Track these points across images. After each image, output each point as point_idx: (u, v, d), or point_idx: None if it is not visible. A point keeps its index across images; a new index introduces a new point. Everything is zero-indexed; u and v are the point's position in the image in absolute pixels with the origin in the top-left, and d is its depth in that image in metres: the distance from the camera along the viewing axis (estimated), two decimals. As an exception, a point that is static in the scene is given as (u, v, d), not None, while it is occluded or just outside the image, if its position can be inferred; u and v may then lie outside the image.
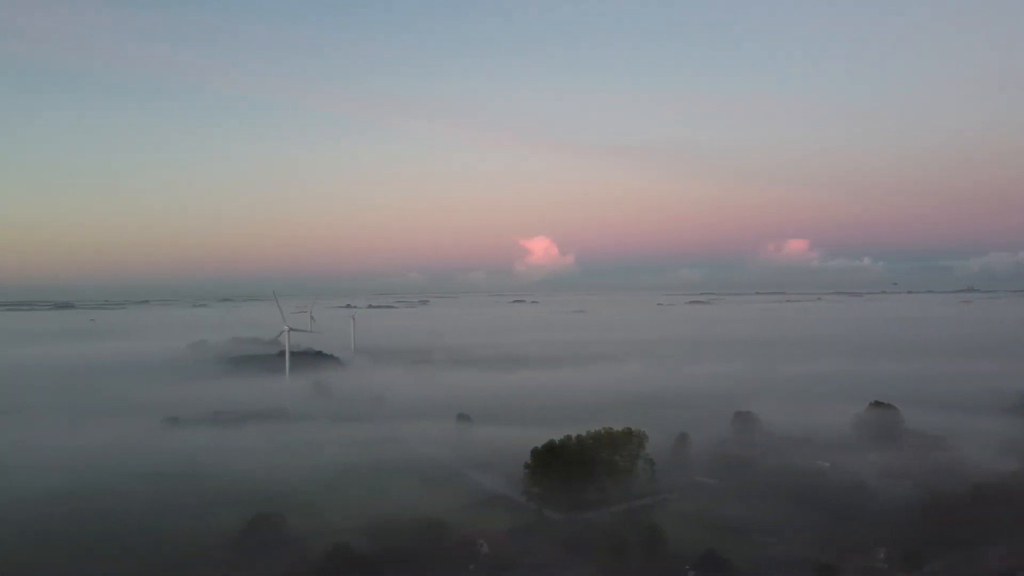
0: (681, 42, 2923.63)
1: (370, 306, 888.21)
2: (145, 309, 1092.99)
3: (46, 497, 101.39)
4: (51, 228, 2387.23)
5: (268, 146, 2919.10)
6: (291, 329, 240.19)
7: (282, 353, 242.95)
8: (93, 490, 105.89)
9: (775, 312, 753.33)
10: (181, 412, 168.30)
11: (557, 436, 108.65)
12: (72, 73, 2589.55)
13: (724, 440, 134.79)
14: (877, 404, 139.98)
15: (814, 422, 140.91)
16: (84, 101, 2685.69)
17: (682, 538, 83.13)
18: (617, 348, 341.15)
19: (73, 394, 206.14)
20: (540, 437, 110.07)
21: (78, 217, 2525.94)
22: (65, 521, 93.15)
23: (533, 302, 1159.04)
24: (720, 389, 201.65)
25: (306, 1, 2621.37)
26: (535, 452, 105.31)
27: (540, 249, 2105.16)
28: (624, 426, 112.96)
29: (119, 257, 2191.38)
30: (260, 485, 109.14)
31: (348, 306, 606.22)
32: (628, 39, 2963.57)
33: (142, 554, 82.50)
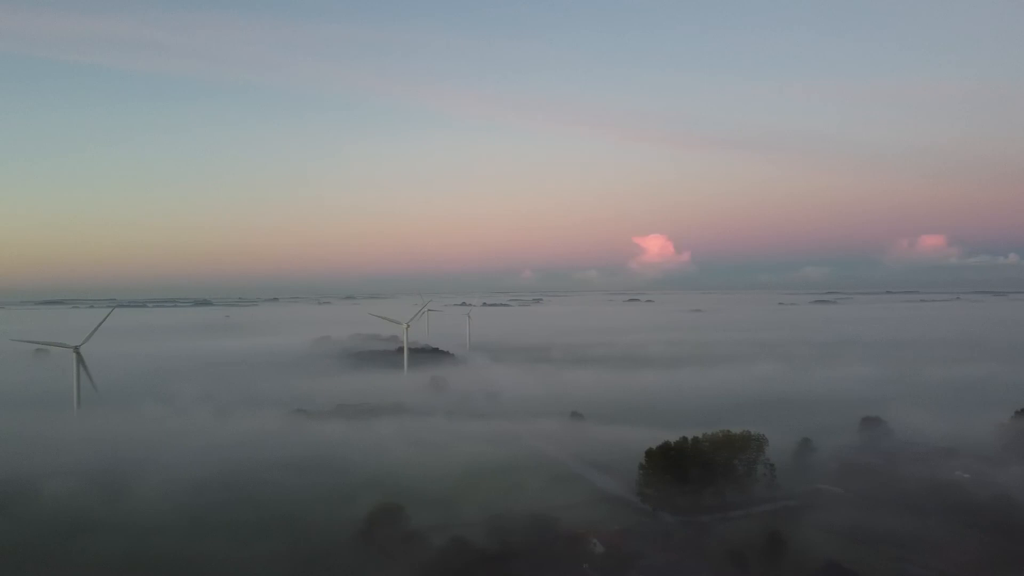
0: (802, 28, 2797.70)
1: (484, 304, 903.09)
2: (275, 306, 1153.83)
3: (195, 484, 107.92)
4: (194, 231, 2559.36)
5: (387, 146, 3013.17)
6: (409, 326, 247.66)
7: (401, 349, 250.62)
8: (233, 478, 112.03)
9: (908, 313, 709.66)
10: (307, 405, 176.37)
11: (673, 437, 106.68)
12: (223, 84, 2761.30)
13: (850, 447, 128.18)
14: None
15: (951, 430, 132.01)
16: (230, 110, 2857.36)
17: (804, 547, 79.73)
18: (736, 349, 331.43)
19: (212, 385, 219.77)
20: (655, 437, 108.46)
21: (218, 221, 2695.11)
22: (213, 507, 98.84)
23: (648, 301, 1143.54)
24: (846, 393, 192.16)
25: (422, 3, 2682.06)
26: (649, 453, 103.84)
27: (655, 247, 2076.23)
28: (743, 429, 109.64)
29: (253, 258, 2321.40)
30: (380, 477, 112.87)
31: (463, 304, 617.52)
32: (745, 27, 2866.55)
33: (280, 539, 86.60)
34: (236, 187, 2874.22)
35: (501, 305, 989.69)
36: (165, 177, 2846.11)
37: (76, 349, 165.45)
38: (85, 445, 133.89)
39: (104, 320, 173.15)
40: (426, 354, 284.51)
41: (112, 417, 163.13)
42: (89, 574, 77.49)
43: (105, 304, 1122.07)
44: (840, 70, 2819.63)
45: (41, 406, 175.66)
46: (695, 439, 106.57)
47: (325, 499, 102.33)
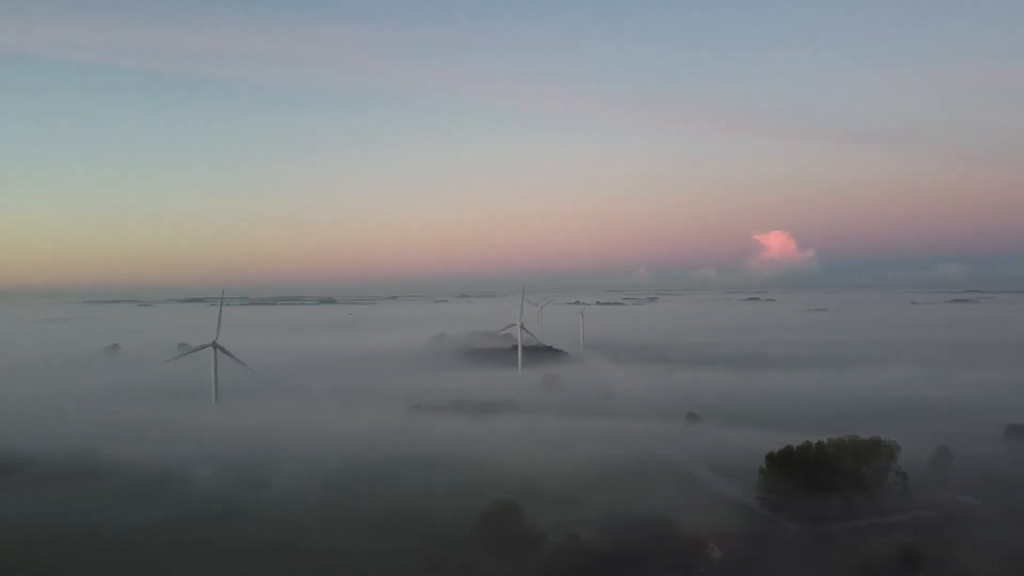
0: (936, 12, 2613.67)
1: (598, 303, 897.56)
2: (394, 304, 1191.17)
3: (326, 477, 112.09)
4: (319, 232, 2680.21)
5: (494, 145, 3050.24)
6: (522, 325, 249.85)
7: (514, 347, 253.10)
8: (361, 471, 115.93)
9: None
10: (424, 400, 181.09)
11: (795, 441, 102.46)
12: (337, 91, 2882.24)
13: (994, 456, 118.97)
14: None
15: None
16: (350, 115, 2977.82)
17: (940, 561, 74.70)
18: (865, 350, 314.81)
19: (337, 380, 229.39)
20: (776, 441, 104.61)
21: (341, 222, 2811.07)
22: (344, 500, 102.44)
23: (768, 300, 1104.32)
24: (989, 398, 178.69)
25: (508, 4, 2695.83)
26: (771, 457, 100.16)
27: (776, 244, 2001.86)
28: (872, 435, 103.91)
29: (374, 257, 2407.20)
30: (495, 473, 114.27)
31: (577, 303, 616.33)
32: (871, 13, 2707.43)
33: (407, 533, 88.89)
34: (358, 190, 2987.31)
35: (615, 304, 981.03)
36: (292, 182, 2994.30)
37: (215, 344, 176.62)
38: (224, 435, 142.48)
39: (220, 313, 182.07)
40: (540, 352, 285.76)
41: (247, 409, 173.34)
42: (236, 560, 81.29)
43: (239, 302, 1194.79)
44: (978, 56, 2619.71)
45: (184, 398, 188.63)
46: (819, 444, 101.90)
47: (444, 494, 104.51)
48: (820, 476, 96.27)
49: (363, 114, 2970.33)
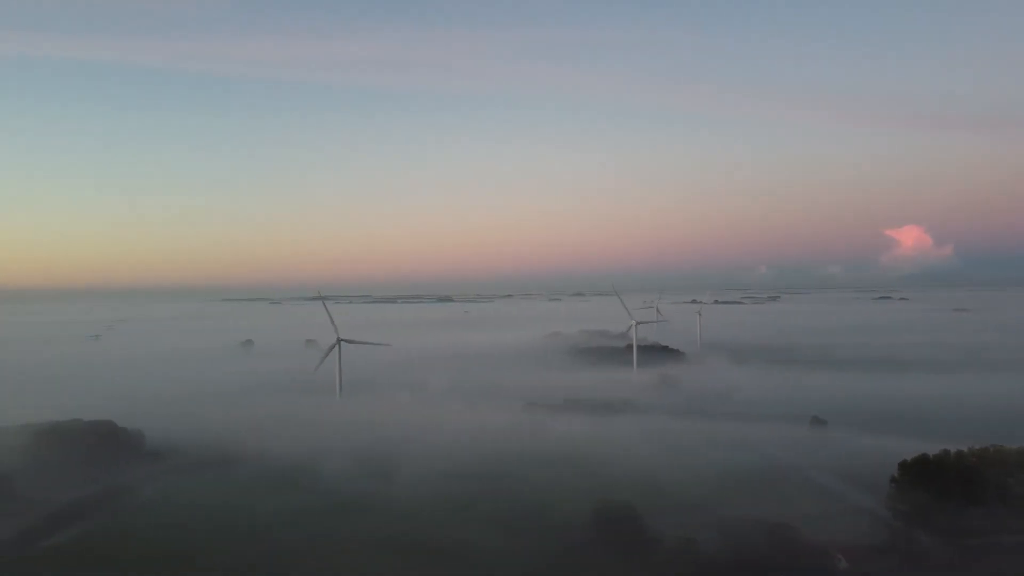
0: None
1: (716, 301, 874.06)
2: (509, 302, 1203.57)
3: (448, 472, 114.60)
4: (437, 232, 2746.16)
5: (611, 143, 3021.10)
6: (638, 323, 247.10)
7: (629, 346, 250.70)
8: (481, 468, 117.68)
9: None
10: (539, 398, 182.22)
11: (931, 449, 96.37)
12: (451, 95, 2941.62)
13: None
14: None
15: None
16: (471, 118, 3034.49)
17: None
18: (1013, 354, 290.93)
19: (455, 377, 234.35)
20: (910, 449, 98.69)
21: (458, 221, 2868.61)
22: (468, 496, 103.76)
23: (901, 299, 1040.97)
24: None
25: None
26: (904, 465, 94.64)
27: (910, 239, 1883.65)
28: (1021, 445, 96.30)
29: (490, 256, 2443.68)
30: (611, 473, 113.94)
31: (694, 301, 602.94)
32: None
33: (529, 531, 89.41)
34: (477, 189, 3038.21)
35: (734, 303, 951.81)
36: (411, 183, 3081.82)
37: (338, 340, 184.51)
38: (350, 429, 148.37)
39: (328, 312, 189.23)
40: (656, 352, 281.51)
41: (369, 404, 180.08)
42: (367, 552, 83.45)
43: (361, 300, 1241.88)
44: None
45: (310, 392, 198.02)
46: (959, 453, 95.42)
47: (562, 493, 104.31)
48: (959, 488, 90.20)
49: (480, 114, 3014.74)
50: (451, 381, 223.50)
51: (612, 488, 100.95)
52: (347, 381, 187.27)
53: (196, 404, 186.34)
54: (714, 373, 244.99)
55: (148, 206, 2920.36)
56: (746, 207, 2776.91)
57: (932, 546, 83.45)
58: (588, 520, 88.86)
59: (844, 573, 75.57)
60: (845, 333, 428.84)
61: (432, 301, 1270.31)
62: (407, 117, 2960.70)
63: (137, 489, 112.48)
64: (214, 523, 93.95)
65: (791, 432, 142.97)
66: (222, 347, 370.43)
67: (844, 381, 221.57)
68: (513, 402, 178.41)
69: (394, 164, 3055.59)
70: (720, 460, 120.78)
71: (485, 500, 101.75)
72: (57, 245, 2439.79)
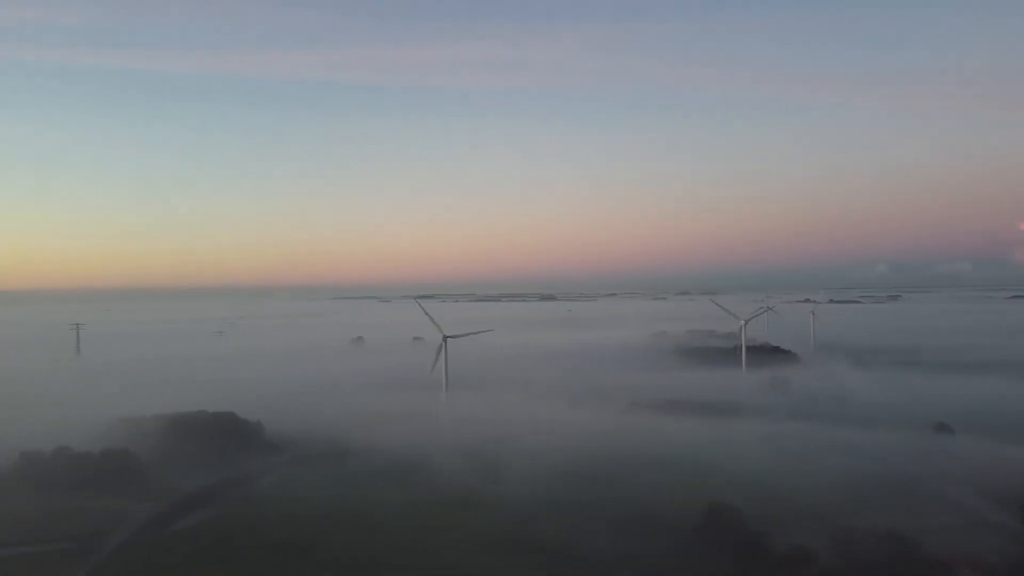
0: None
1: (831, 301, 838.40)
2: (613, 301, 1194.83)
3: (557, 471, 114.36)
4: (538, 230, 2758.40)
5: (709, 136, 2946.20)
6: (747, 322, 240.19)
7: (738, 347, 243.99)
8: (590, 468, 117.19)
9: None
10: (643, 398, 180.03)
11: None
12: (553, 92, 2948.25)
13: None
14: None
15: None
16: (582, 113, 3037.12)
17: None
18: None
19: (558, 375, 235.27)
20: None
21: (562, 220, 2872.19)
22: (578, 496, 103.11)
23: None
24: None
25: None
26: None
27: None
28: None
29: (594, 255, 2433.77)
30: (718, 476, 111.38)
31: (807, 301, 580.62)
32: None
33: (635, 532, 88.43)
34: (576, 188, 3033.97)
35: (850, 302, 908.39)
36: (517, 182, 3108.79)
37: (444, 338, 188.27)
38: (457, 425, 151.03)
39: (427, 312, 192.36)
40: (766, 353, 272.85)
41: (475, 400, 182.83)
42: (479, 548, 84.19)
43: (467, 299, 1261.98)
44: None
45: (417, 388, 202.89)
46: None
47: (669, 496, 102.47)
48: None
49: (572, 111, 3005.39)
50: (555, 379, 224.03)
51: (721, 492, 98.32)
52: (453, 378, 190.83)
53: (311, 398, 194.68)
54: (829, 375, 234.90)
55: (265, 209, 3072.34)
56: (863, 200, 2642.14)
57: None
58: (696, 524, 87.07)
59: (972, 590, 71.00)
60: (975, 334, 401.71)
61: (535, 299, 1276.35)
62: (510, 117, 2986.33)
63: (256, 478, 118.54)
64: (330, 515, 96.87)
65: (914, 439, 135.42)
66: (334, 343, 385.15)
67: (974, 386, 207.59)
68: (618, 402, 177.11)
69: (498, 164, 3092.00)
70: (836, 466, 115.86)
71: (594, 500, 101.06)
72: (185, 246, 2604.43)
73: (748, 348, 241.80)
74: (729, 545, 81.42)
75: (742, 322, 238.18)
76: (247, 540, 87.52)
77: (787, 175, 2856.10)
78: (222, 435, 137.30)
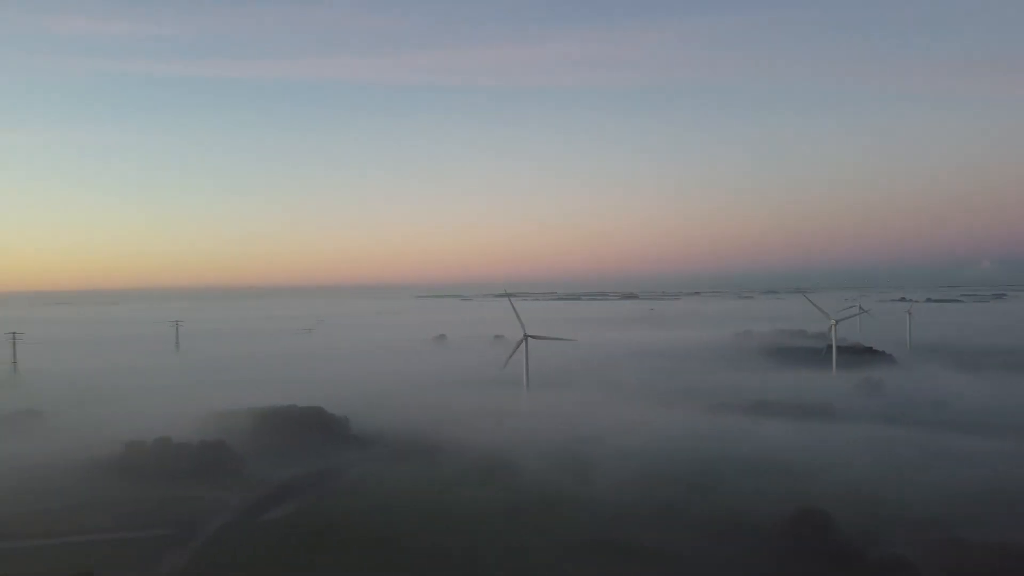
0: None
1: (929, 299, 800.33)
2: (696, 300, 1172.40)
3: (645, 473, 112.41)
4: (622, 229, 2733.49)
5: (805, 130, 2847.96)
6: (838, 322, 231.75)
7: (828, 347, 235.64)
8: (678, 470, 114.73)
9: None
10: (729, 399, 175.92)
11: None
12: (666, 86, 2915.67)
13: None
14: None
15: None
16: (679, 111, 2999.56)
17: None
18: None
19: (640, 375, 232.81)
20: None
21: (640, 218, 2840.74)
22: (667, 498, 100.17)
23: None
24: None
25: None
26: None
27: None
28: None
29: (676, 253, 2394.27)
30: (805, 480, 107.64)
31: (903, 299, 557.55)
32: None
33: (727, 538, 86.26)
34: (661, 187, 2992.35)
35: (951, 301, 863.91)
36: (599, 181, 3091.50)
37: (525, 336, 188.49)
38: (540, 423, 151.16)
39: (514, 308, 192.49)
40: (858, 354, 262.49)
41: (558, 399, 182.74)
42: (568, 550, 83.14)
43: (547, 297, 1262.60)
44: None
45: (499, 385, 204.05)
46: None
47: (759, 499, 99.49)
48: None
49: (654, 110, 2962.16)
50: (637, 379, 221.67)
51: (812, 497, 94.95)
52: (534, 376, 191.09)
53: (395, 394, 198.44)
54: (928, 378, 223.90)
55: (352, 212, 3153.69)
56: (964, 191, 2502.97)
57: None
58: (786, 529, 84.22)
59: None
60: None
61: (616, 298, 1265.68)
62: (594, 115, 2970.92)
63: (343, 472, 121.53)
64: (418, 510, 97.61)
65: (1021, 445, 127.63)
66: (417, 341, 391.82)
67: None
68: (702, 402, 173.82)
69: (582, 163, 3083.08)
70: (939, 474, 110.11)
71: (684, 503, 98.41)
72: (276, 248, 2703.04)
73: (839, 348, 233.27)
74: (820, 552, 78.52)
75: (832, 321, 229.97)
76: (337, 531, 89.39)
77: (885, 166, 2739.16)
78: (310, 429, 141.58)
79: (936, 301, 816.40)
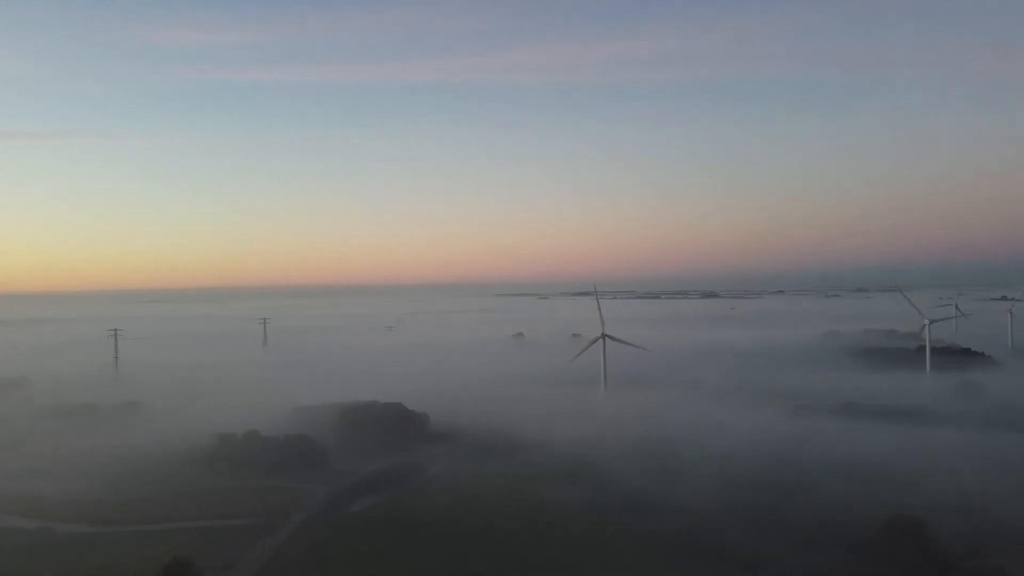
0: None
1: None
2: (780, 298, 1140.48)
3: (733, 477, 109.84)
4: (702, 228, 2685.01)
5: (894, 119, 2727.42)
6: (932, 322, 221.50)
7: (921, 348, 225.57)
8: (760, 472, 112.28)
9: None
10: (814, 401, 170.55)
11: None
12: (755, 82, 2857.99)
13: None
14: None
15: None
16: (766, 107, 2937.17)
17: None
18: None
19: (721, 375, 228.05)
20: None
21: (723, 217, 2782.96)
22: (756, 504, 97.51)
23: None
24: None
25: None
26: None
27: None
28: None
29: (758, 251, 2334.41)
30: (898, 486, 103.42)
31: (1004, 298, 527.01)
32: None
33: (810, 540, 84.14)
34: (742, 182, 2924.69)
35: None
36: (680, 183, 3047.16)
37: (603, 335, 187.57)
38: (620, 422, 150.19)
39: (599, 308, 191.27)
40: (954, 355, 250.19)
41: (636, 398, 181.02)
42: (653, 552, 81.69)
43: (626, 296, 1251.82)
44: None
45: (577, 384, 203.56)
46: None
47: (849, 505, 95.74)
48: None
49: (731, 105, 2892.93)
50: (718, 379, 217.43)
51: (906, 504, 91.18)
52: (612, 375, 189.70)
53: (474, 391, 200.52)
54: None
55: (431, 211, 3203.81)
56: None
57: None
58: (879, 537, 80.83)
59: None
60: None
61: (696, 297, 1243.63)
62: (669, 112, 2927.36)
63: (424, 467, 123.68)
64: (500, 507, 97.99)
65: None
66: (496, 339, 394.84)
67: None
68: (788, 404, 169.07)
69: (659, 160, 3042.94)
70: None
71: (772, 508, 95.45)
72: (357, 247, 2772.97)
73: (934, 349, 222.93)
74: (915, 561, 75.31)
75: (926, 321, 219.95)
76: (420, 525, 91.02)
77: (973, 155, 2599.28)
78: (391, 424, 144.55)
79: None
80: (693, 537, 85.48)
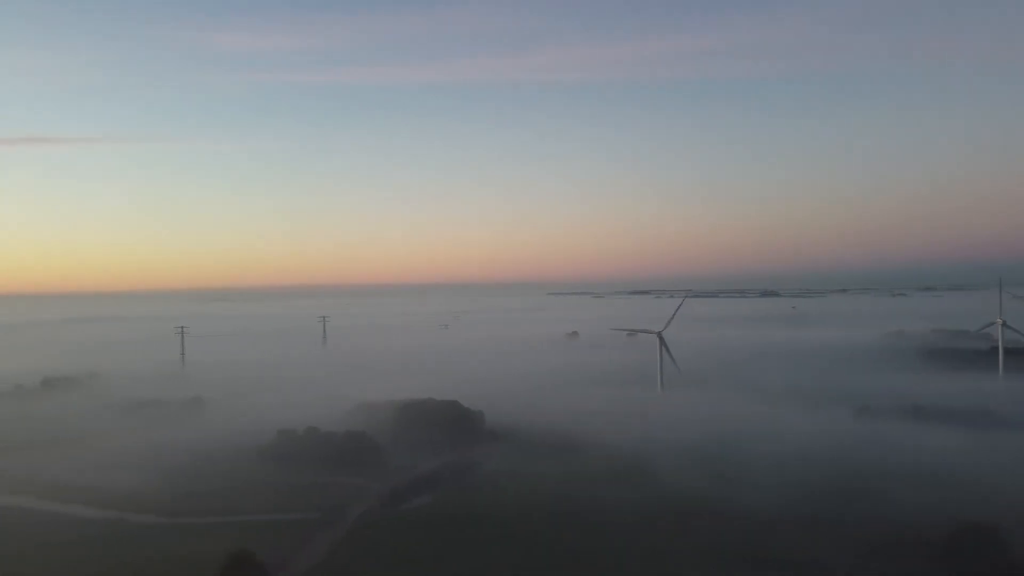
0: None
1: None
2: (843, 297, 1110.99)
3: (790, 480, 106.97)
4: (760, 226, 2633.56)
5: (961, 108, 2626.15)
6: (1005, 322, 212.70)
7: (993, 348, 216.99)
8: (820, 474, 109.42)
9: None
10: (878, 403, 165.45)
11: None
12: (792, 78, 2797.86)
13: None
14: None
15: None
16: (800, 105, 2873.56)
17: None
18: None
19: (780, 375, 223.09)
20: None
21: (783, 213, 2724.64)
22: (815, 510, 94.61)
23: None
24: None
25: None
26: None
27: None
28: None
29: (820, 249, 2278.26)
30: (968, 491, 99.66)
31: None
32: None
33: (874, 548, 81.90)
34: (802, 177, 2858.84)
35: None
36: (737, 179, 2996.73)
37: (659, 335, 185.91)
38: (677, 424, 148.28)
39: (679, 308, 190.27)
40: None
41: (692, 399, 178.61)
42: (712, 558, 80.00)
43: (681, 294, 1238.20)
44: None
45: (632, 383, 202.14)
46: None
47: (916, 511, 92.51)
48: None
49: (787, 101, 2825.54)
50: (778, 380, 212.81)
51: (977, 510, 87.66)
52: (670, 374, 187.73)
53: (529, 390, 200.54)
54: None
55: (484, 210, 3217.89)
56: None
57: None
58: (949, 545, 78.06)
59: None
60: None
61: (755, 296, 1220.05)
62: (720, 109, 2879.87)
63: (480, 465, 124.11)
64: (556, 508, 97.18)
65: None
66: (550, 338, 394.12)
67: None
68: (851, 406, 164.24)
69: (713, 158, 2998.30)
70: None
71: (836, 514, 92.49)
72: (418, 247, 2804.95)
73: (1007, 351, 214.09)
74: (986, 569, 72.39)
75: (999, 320, 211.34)
76: (475, 523, 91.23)
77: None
78: (447, 422, 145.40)
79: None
80: (751, 543, 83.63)
